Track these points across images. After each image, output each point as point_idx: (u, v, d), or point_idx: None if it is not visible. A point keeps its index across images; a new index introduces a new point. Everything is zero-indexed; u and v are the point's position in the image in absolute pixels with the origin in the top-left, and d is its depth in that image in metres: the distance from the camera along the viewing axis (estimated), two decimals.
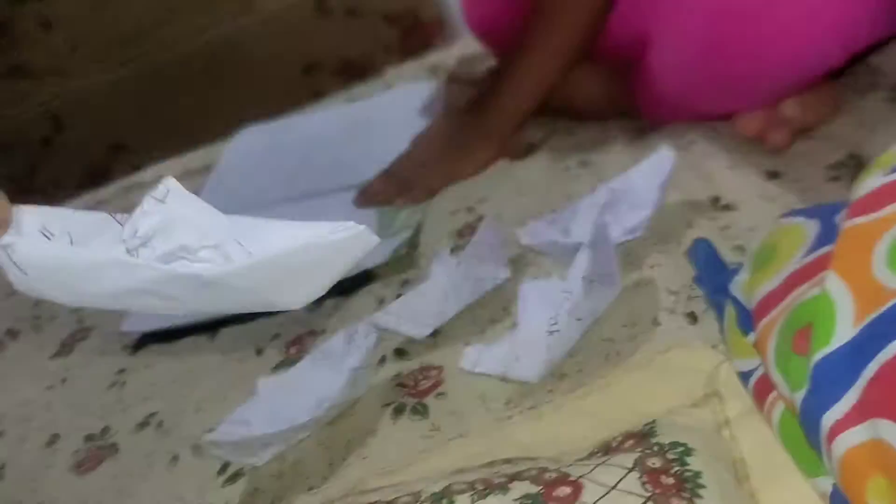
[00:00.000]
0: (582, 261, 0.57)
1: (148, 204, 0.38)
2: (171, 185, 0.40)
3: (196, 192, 1.05)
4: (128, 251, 0.37)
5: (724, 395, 0.48)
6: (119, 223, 0.38)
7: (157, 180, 1.10)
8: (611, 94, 0.82)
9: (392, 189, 0.83)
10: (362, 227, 0.37)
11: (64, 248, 0.35)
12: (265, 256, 0.36)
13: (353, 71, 1.82)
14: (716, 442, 0.44)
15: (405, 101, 1.09)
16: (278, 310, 0.42)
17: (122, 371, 0.76)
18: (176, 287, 0.36)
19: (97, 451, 0.66)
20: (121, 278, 0.35)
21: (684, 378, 0.51)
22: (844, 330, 0.38)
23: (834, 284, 0.40)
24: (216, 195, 1.01)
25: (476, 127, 0.85)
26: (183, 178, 1.12)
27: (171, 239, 0.37)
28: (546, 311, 0.56)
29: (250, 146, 1.11)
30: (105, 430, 0.69)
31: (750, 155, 0.71)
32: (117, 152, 1.90)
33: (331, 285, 0.39)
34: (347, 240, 0.37)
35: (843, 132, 0.71)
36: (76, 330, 0.87)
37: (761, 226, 0.62)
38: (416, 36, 1.89)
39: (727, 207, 0.65)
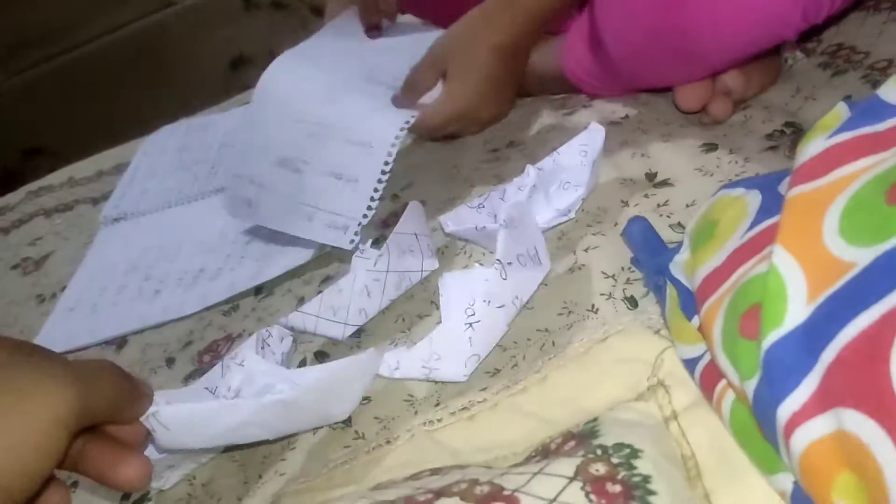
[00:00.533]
0: (499, 243, 0.53)
1: (232, 368, 0.53)
2: (246, 353, 0.54)
3: (109, 192, 0.99)
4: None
5: (670, 385, 0.44)
6: (210, 391, 0.53)
7: (66, 182, 1.04)
8: (546, 65, 0.77)
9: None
10: (371, 350, 0.51)
11: (191, 405, 0.44)
12: (315, 379, 0.49)
13: None
14: (664, 439, 0.40)
15: None
16: (333, 421, 0.51)
17: None
18: (268, 414, 0.46)
19: None
20: (233, 417, 0.45)
21: (626, 368, 0.47)
22: (797, 309, 0.34)
23: (782, 259, 0.36)
24: (129, 196, 0.94)
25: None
26: (96, 178, 1.07)
27: (254, 385, 0.52)
28: (464, 303, 0.51)
29: (165, 145, 1.04)
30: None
31: (685, 128, 0.67)
32: (32, 157, 1.80)
33: (362, 393, 0.52)
34: (361, 360, 0.50)
35: (779, 100, 0.68)
36: None
37: (700, 201, 0.58)
38: None
39: (664, 183, 0.62)
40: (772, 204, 0.42)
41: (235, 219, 0.72)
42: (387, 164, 0.66)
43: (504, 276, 0.51)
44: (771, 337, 0.34)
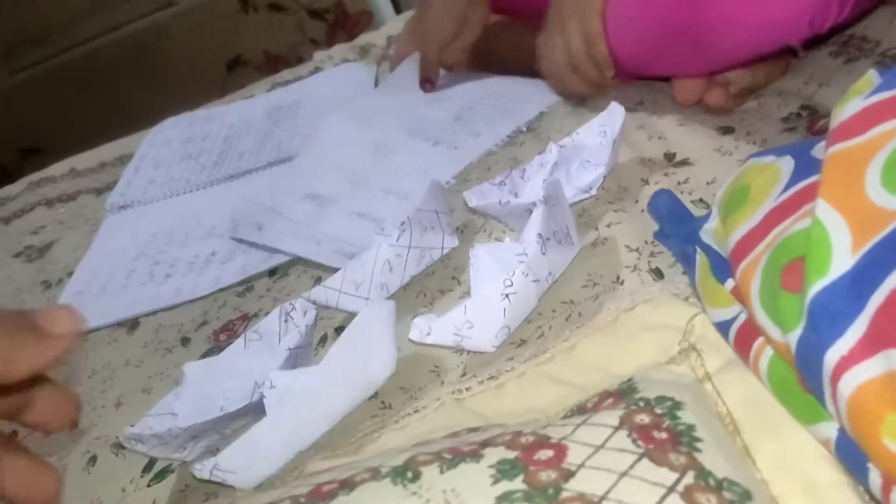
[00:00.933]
0: (536, 218, 0.53)
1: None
2: (268, 324, 0.55)
3: (112, 183, 0.98)
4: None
5: (702, 349, 0.44)
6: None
7: (68, 174, 1.03)
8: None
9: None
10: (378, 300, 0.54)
11: (236, 442, 0.45)
12: (332, 353, 0.49)
13: (279, 66, 1.76)
14: (702, 395, 0.40)
15: (333, 81, 1.04)
16: (381, 382, 0.51)
17: None
18: (305, 408, 0.47)
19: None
20: (279, 428, 0.46)
21: (656, 335, 0.47)
22: (842, 259, 0.34)
23: (825, 212, 0.36)
24: (135, 184, 0.94)
25: None
26: (99, 170, 1.06)
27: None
28: (500, 274, 0.51)
29: (170, 136, 1.04)
30: (12, 433, 0.61)
31: (700, 113, 0.68)
32: (29, 155, 1.79)
33: (394, 342, 0.51)
34: (370, 310, 0.50)
35: (793, 87, 0.68)
36: None
37: (721, 178, 0.59)
38: (343, 28, 1.84)
39: (683, 162, 0.62)
40: (806, 167, 0.43)
41: (235, 237, 0.72)
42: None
43: (544, 251, 0.51)
44: (817, 286, 0.34)
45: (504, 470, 0.32)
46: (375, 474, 0.34)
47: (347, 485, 0.34)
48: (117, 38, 1.72)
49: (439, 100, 0.85)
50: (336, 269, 0.58)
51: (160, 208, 0.88)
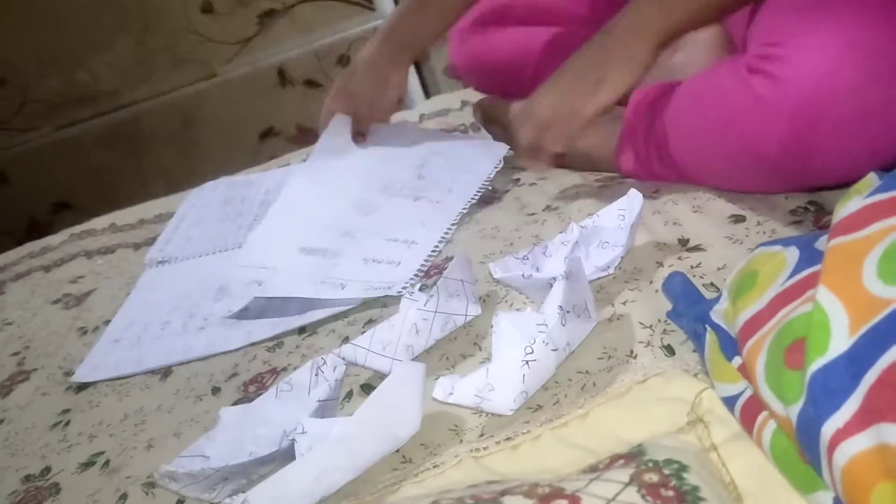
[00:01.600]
0: (557, 292, 0.56)
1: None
2: (299, 377, 0.60)
3: (150, 239, 1.03)
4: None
5: (709, 421, 0.47)
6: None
7: (108, 228, 1.08)
8: (597, 150, 0.81)
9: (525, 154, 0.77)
10: (408, 361, 0.58)
11: (265, 481, 0.48)
12: (364, 407, 0.51)
13: (310, 138, 1.84)
14: (707, 462, 0.42)
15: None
16: (404, 440, 0.54)
17: (66, 411, 0.71)
18: (335, 456, 0.50)
19: (36, 491, 0.61)
20: (307, 472, 0.49)
21: (665, 406, 0.50)
22: (840, 341, 0.38)
23: (826, 298, 0.39)
24: (174, 241, 0.98)
25: (608, 49, 0.72)
26: (138, 226, 1.11)
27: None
28: (520, 342, 0.55)
29: (209, 198, 1.09)
30: (45, 470, 0.64)
31: (713, 201, 0.72)
32: (60, 210, 1.85)
33: (422, 403, 0.53)
34: (401, 372, 0.53)
35: None
36: (15, 372, 0.82)
37: (731, 265, 0.62)
38: None
39: (696, 248, 0.66)
40: (810, 257, 0.46)
41: (240, 298, 0.77)
42: (435, 249, 0.77)
43: (564, 323, 0.54)
44: (816, 364, 0.38)
45: None
46: None
47: None
48: (161, 103, 1.80)
49: (390, 160, 0.94)
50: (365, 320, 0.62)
51: (197, 265, 0.92)
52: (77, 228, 1.15)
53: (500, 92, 0.99)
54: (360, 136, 0.97)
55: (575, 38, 0.96)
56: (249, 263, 0.79)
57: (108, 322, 0.85)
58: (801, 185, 0.68)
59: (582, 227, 0.66)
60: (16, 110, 1.74)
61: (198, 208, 1.06)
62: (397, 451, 0.54)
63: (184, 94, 1.80)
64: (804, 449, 0.38)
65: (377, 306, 0.72)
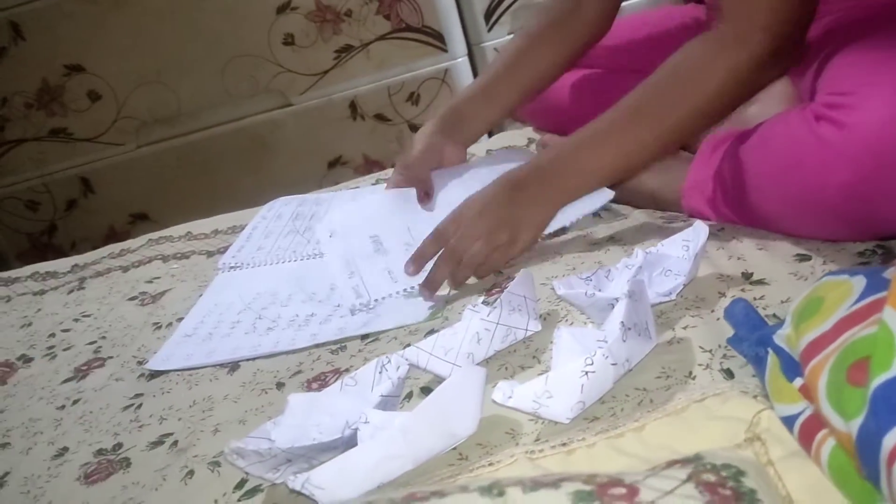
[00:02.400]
0: (620, 309, 0.58)
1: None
2: (363, 374, 0.62)
3: (223, 248, 1.08)
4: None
5: (766, 439, 0.48)
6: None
7: (184, 236, 1.14)
8: (664, 189, 0.82)
9: (449, 271, 0.78)
10: (471, 365, 0.61)
11: (331, 461, 0.51)
12: (426, 403, 0.54)
13: (375, 169, 1.89)
14: (764, 473, 0.43)
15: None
16: (462, 438, 0.55)
17: (138, 395, 0.75)
18: (396, 445, 0.52)
19: (108, 463, 0.65)
20: (370, 457, 0.52)
21: (723, 424, 0.50)
22: None
23: (892, 318, 0.40)
24: (246, 249, 1.02)
25: (543, 184, 0.79)
26: (212, 235, 1.16)
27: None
28: (580, 355, 0.56)
29: (282, 211, 1.14)
30: (117, 445, 0.67)
31: (778, 241, 0.73)
32: (138, 221, 1.93)
33: (481, 406, 0.55)
34: (464, 373, 0.55)
35: None
36: (91, 359, 0.86)
37: (795, 299, 0.63)
38: None
39: (760, 282, 0.67)
40: (877, 285, 0.47)
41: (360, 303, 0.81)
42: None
43: (625, 339, 0.56)
44: (879, 379, 0.38)
45: (581, 498, 0.36)
46: (464, 489, 0.38)
47: (438, 493, 0.38)
48: (237, 127, 1.88)
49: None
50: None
51: (266, 272, 0.96)
52: (155, 234, 1.21)
53: (556, 132, 1.02)
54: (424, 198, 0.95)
55: (617, 83, 0.99)
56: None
57: (180, 319, 0.89)
58: (865, 233, 0.68)
59: (646, 253, 0.67)
60: (108, 126, 1.84)
61: (269, 220, 1.11)
62: (454, 448, 0.55)
63: (259, 120, 1.88)
64: (863, 463, 0.39)
65: (440, 320, 0.74)
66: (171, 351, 0.81)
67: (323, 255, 0.95)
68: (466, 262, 0.78)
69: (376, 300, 0.80)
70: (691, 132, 0.77)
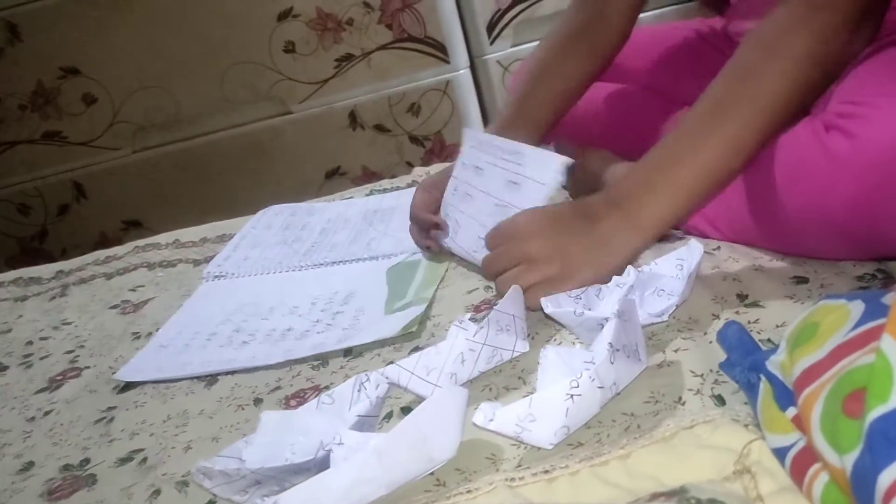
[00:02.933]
0: (609, 329, 0.56)
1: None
2: (341, 392, 0.59)
3: (210, 257, 1.06)
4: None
5: (756, 472, 0.45)
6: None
7: (172, 243, 1.11)
8: None
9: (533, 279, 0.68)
10: (453, 386, 0.58)
11: (300, 485, 0.49)
12: (403, 425, 0.51)
13: (373, 181, 1.87)
14: None
15: None
16: (440, 463, 0.53)
17: (110, 408, 0.72)
18: (369, 469, 0.49)
19: (73, 479, 0.62)
20: (341, 481, 0.49)
21: (712, 454, 0.48)
22: None
23: (890, 347, 0.38)
24: (232, 259, 1.00)
25: (620, 218, 0.68)
26: (200, 244, 1.14)
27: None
28: (566, 376, 0.54)
29: (271, 221, 1.12)
30: (84, 461, 0.65)
31: (774, 262, 0.70)
32: (130, 228, 1.91)
33: (462, 428, 0.53)
34: (444, 394, 0.53)
35: None
36: (67, 369, 0.84)
37: (790, 323, 0.60)
38: (439, 156, 1.95)
39: (755, 304, 0.64)
40: (876, 311, 0.45)
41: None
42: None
43: (612, 361, 0.54)
44: (876, 412, 0.36)
45: None
46: None
47: None
48: (236, 134, 1.86)
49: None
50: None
51: (251, 283, 0.94)
52: (142, 242, 1.19)
53: (572, 141, 0.99)
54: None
55: (640, 98, 0.96)
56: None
57: (160, 328, 0.87)
58: (866, 252, 0.66)
59: (639, 272, 0.65)
60: (104, 130, 1.82)
61: (259, 230, 1.09)
62: (431, 473, 0.53)
63: (258, 128, 1.86)
64: (858, 500, 0.36)
65: (426, 335, 0.72)
66: (143, 362, 0.79)
67: (310, 265, 0.93)
68: (502, 279, 0.70)
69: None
70: (786, 106, 0.65)
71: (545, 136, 0.89)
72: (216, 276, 0.97)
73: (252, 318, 0.85)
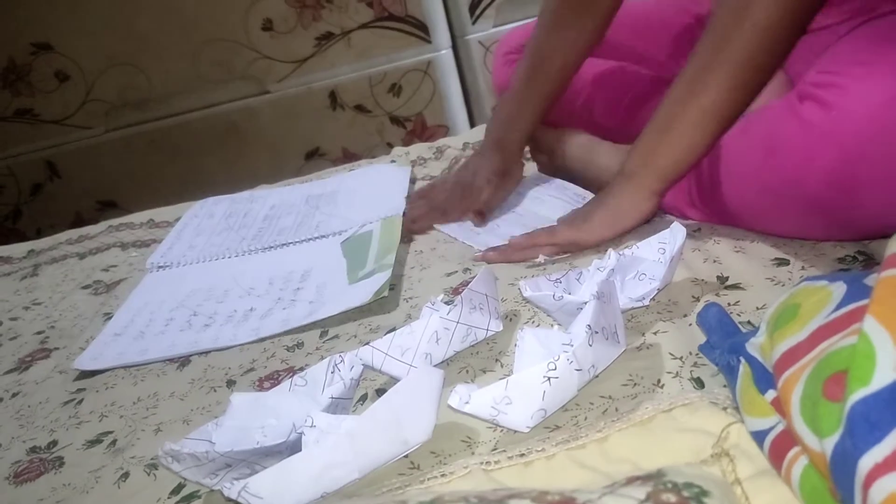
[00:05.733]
0: (587, 311, 0.55)
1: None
2: (315, 373, 0.58)
3: (156, 242, 1.04)
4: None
5: (735, 455, 0.45)
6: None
7: (146, 223, 1.09)
8: None
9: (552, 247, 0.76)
10: (428, 367, 0.55)
11: (270, 468, 0.47)
12: (375, 407, 0.50)
13: (353, 161, 1.85)
14: (730, 493, 0.40)
15: (369, 177, 1.09)
16: (414, 445, 0.52)
17: (80, 390, 0.71)
18: (341, 452, 0.48)
19: (39, 462, 0.61)
20: (312, 465, 0.48)
21: (690, 437, 0.47)
22: (885, 373, 0.35)
23: (872, 328, 0.37)
24: (176, 248, 0.99)
25: (626, 186, 0.74)
26: (173, 223, 1.12)
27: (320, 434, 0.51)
28: (543, 359, 0.53)
29: (213, 210, 1.10)
30: (52, 443, 0.63)
31: (756, 243, 0.70)
32: (105, 208, 1.88)
33: (437, 411, 0.52)
34: (419, 376, 0.51)
35: None
36: (37, 349, 0.82)
37: (771, 305, 0.60)
38: (420, 138, 1.93)
39: (735, 286, 0.64)
40: (857, 292, 0.44)
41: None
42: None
43: (591, 343, 0.53)
44: (857, 395, 0.35)
45: None
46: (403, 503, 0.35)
47: None
48: (211, 114, 1.83)
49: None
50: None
51: (199, 270, 0.92)
52: (115, 221, 1.16)
53: (548, 121, 0.98)
54: (479, 217, 0.90)
55: (626, 73, 0.95)
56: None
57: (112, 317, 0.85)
58: (845, 228, 0.64)
59: (620, 255, 0.64)
60: (76, 108, 1.78)
61: (201, 218, 1.07)
62: (406, 456, 0.52)
63: (235, 108, 1.83)
64: (837, 484, 0.36)
65: (402, 314, 0.71)
66: (99, 350, 0.77)
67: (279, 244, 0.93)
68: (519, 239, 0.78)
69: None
70: (767, 56, 0.64)
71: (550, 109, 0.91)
72: (160, 267, 0.95)
73: (207, 303, 0.83)
